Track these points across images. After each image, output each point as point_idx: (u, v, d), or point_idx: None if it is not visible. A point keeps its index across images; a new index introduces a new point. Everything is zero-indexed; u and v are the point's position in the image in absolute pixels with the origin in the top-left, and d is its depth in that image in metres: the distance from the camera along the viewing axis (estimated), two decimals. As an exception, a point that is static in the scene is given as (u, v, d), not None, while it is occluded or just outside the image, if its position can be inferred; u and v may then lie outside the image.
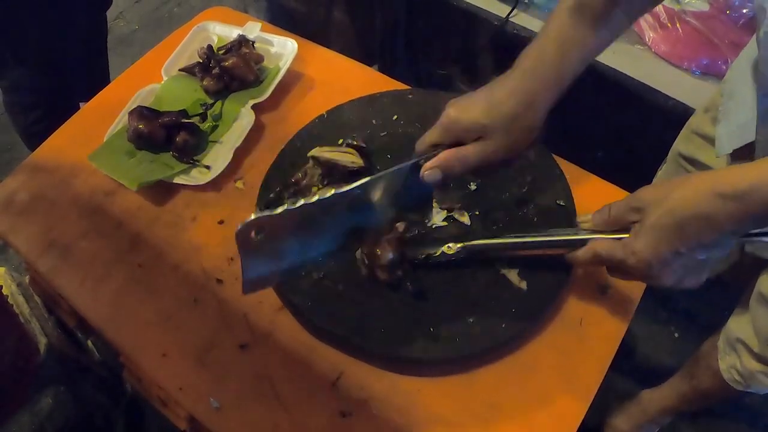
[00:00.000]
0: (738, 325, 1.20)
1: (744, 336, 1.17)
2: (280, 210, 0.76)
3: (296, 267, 0.87)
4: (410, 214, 0.97)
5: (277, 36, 1.29)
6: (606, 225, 0.80)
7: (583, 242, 0.83)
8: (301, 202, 0.78)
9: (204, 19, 1.33)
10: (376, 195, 0.86)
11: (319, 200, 0.79)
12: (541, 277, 0.94)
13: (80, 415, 1.35)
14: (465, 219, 1.01)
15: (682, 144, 1.26)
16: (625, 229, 0.78)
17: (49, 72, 1.74)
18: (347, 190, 0.82)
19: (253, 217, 0.75)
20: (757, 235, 0.75)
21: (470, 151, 0.82)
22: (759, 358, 1.15)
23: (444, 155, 0.83)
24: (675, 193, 0.71)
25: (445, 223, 1.01)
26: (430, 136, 0.85)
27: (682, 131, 1.27)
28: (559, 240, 0.86)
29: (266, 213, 0.76)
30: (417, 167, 0.85)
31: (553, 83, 0.82)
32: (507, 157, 0.84)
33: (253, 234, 0.77)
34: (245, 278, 0.82)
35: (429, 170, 0.84)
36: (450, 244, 0.92)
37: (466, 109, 0.82)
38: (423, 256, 0.95)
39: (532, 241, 0.89)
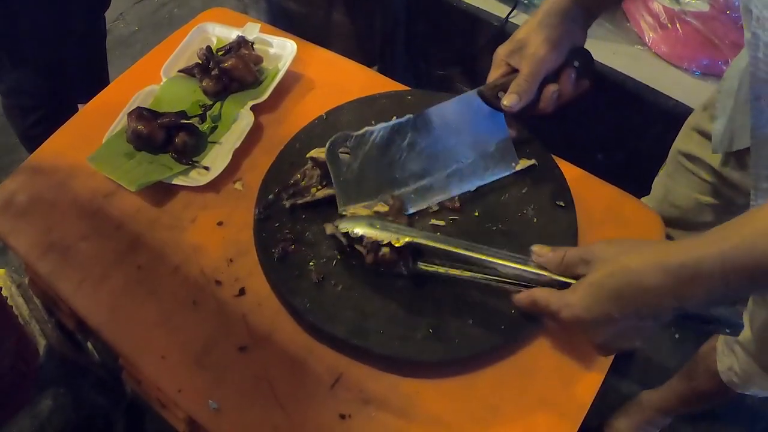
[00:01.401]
0: None
1: (742, 338, 1.17)
2: (363, 130, 0.98)
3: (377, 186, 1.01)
4: (495, 161, 1.05)
5: (276, 37, 1.29)
6: (556, 268, 0.79)
7: (528, 277, 0.82)
8: (380, 125, 0.99)
9: (203, 21, 1.33)
10: (444, 122, 1.01)
11: (397, 122, 1.00)
12: (540, 279, 0.94)
13: (80, 417, 1.35)
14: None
15: (681, 142, 1.26)
16: (573, 278, 0.77)
17: (47, 74, 1.74)
18: (413, 116, 1.00)
19: (342, 133, 0.97)
20: (700, 321, 0.75)
21: (523, 66, 0.93)
22: (756, 359, 1.15)
23: (511, 83, 0.94)
24: (623, 257, 0.72)
25: (442, 222, 1.01)
26: (491, 74, 0.98)
27: (681, 129, 1.27)
28: (507, 271, 0.84)
29: (349, 133, 0.98)
30: (479, 94, 0.98)
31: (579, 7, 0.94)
32: (552, 55, 0.93)
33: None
34: (339, 193, 1.00)
35: (507, 99, 0.94)
36: (399, 236, 0.91)
37: (508, 42, 0.96)
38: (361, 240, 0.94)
39: (480, 258, 0.86)
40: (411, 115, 1.00)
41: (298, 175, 1.05)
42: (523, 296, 0.82)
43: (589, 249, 0.76)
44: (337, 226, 0.95)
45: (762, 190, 0.93)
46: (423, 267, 0.93)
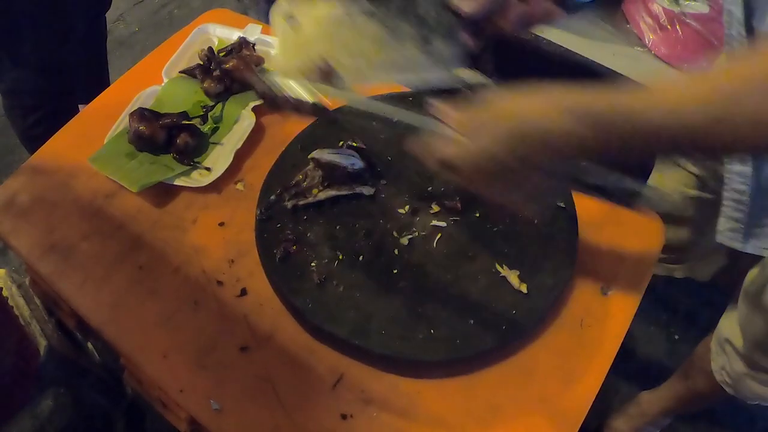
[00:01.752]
0: (727, 326, 1.20)
1: (732, 337, 1.17)
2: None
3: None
4: (437, 59, 0.94)
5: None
6: (454, 123, 0.73)
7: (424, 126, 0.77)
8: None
9: (204, 22, 1.33)
10: (392, 15, 0.89)
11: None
12: (541, 279, 0.95)
13: (81, 417, 1.34)
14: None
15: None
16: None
17: (48, 74, 1.74)
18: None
19: None
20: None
21: None
22: (745, 359, 1.15)
23: None
24: (524, 99, 0.66)
25: (443, 223, 1.02)
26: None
27: None
28: (409, 118, 0.82)
29: None
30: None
31: None
32: None
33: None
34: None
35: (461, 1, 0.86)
36: (326, 97, 0.91)
37: None
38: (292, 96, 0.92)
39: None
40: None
41: (300, 176, 1.05)
42: (416, 142, 0.77)
43: (487, 99, 0.70)
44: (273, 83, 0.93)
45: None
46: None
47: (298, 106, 0.91)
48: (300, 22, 0.90)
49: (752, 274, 1.10)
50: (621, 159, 0.66)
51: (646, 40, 1.56)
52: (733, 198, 0.97)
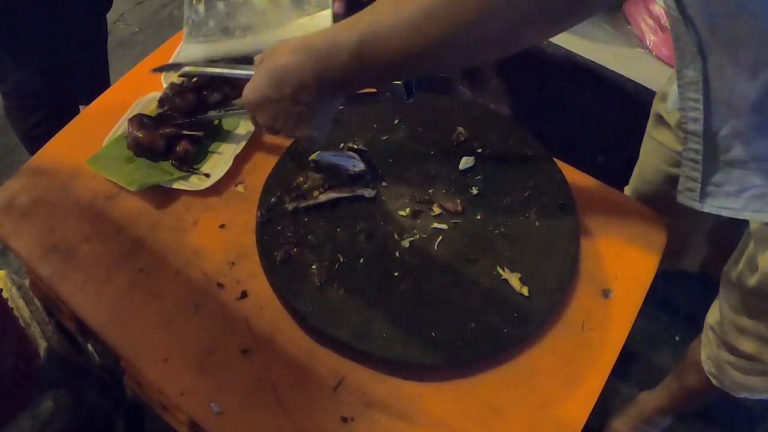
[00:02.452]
0: (711, 313, 1.20)
1: (714, 323, 1.18)
2: None
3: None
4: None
5: None
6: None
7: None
8: None
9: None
10: None
11: None
12: (542, 282, 0.95)
13: (81, 419, 1.34)
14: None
15: (653, 106, 1.28)
16: None
17: (49, 75, 1.74)
18: None
19: None
20: None
21: None
22: (725, 344, 1.15)
23: None
24: (275, 47, 0.81)
25: (444, 226, 1.01)
26: None
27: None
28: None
29: None
30: None
31: None
32: None
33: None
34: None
35: None
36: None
37: None
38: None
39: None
40: None
41: (301, 179, 1.05)
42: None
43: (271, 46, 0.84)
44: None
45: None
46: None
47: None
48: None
49: (732, 258, 1.10)
50: (352, 83, 0.80)
51: (647, 41, 1.56)
52: (690, 157, 0.97)
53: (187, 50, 1.20)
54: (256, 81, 0.83)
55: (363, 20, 0.72)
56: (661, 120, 1.23)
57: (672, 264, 1.44)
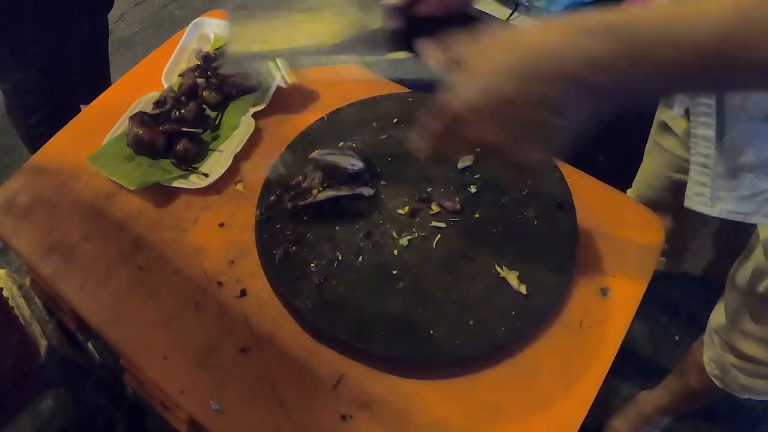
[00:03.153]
0: (716, 317, 1.21)
1: (719, 326, 1.18)
2: None
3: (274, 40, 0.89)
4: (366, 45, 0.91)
5: None
6: (441, 60, 0.67)
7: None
8: None
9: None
10: None
11: None
12: (541, 281, 0.95)
13: (81, 418, 1.35)
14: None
15: (657, 113, 1.28)
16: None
17: (50, 75, 1.74)
18: None
19: None
20: None
21: None
22: (730, 348, 1.15)
23: None
24: (534, 27, 0.57)
25: (443, 224, 1.01)
26: None
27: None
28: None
29: None
30: None
31: None
32: None
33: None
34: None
35: None
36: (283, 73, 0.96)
37: None
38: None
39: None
40: None
41: (300, 177, 1.05)
42: (425, 112, 0.67)
43: (485, 31, 0.61)
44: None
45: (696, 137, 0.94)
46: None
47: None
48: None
49: (738, 263, 1.11)
50: (644, 91, 0.59)
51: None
52: (699, 162, 0.97)
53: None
54: (492, 76, 0.58)
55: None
56: (665, 127, 1.23)
57: (675, 266, 1.44)
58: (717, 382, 1.25)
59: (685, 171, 1.15)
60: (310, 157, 1.05)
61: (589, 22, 0.53)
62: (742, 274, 1.08)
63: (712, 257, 1.63)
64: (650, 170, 1.30)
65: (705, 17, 0.49)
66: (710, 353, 1.24)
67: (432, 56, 0.68)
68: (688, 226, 1.38)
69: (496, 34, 0.59)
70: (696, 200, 1.00)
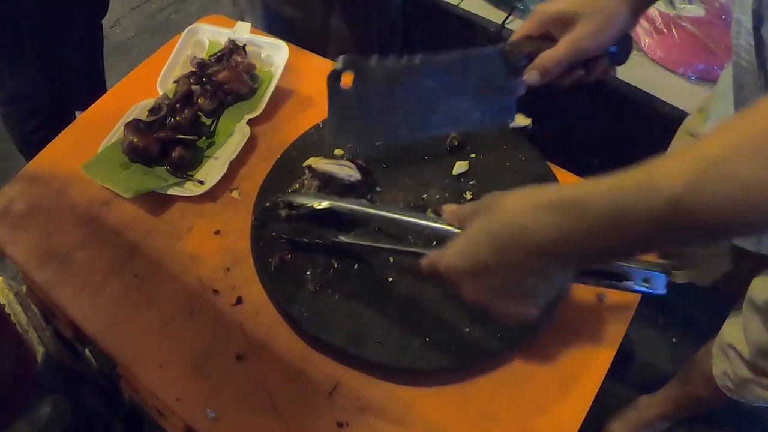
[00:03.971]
0: (730, 332, 1.20)
1: (735, 342, 1.17)
2: (372, 60, 0.86)
3: (378, 132, 0.97)
4: (492, 113, 0.98)
5: (267, 38, 1.29)
6: (455, 221, 0.74)
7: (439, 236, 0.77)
8: (392, 59, 0.87)
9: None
10: (460, 73, 0.92)
11: (408, 59, 0.87)
12: (536, 286, 0.94)
13: (79, 424, 1.34)
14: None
15: (675, 145, 1.26)
16: None
17: (46, 82, 1.74)
18: (434, 56, 0.88)
19: (343, 59, 0.85)
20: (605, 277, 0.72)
21: (560, 46, 0.87)
22: (750, 365, 1.15)
23: (538, 58, 0.89)
24: (505, 200, 0.63)
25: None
26: (521, 29, 0.92)
27: (677, 133, 1.27)
28: (417, 224, 0.82)
29: (358, 57, 0.85)
30: (502, 55, 0.91)
31: None
32: (592, 47, 0.87)
33: (344, 75, 0.86)
34: (329, 125, 0.95)
35: (528, 72, 0.90)
36: (322, 201, 0.91)
37: (555, 1, 0.88)
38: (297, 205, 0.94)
39: (399, 219, 0.84)
40: (424, 55, 0.89)
41: (297, 185, 1.05)
42: (423, 260, 0.74)
43: (482, 198, 0.68)
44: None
45: None
46: (342, 239, 0.96)
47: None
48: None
49: (758, 282, 1.10)
50: (607, 255, 0.62)
51: (642, 43, 1.56)
52: None
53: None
54: (471, 243, 0.65)
55: (684, 161, 0.52)
56: None
57: (685, 278, 1.43)
58: (730, 395, 1.25)
59: None
60: (306, 164, 1.05)
61: (550, 197, 0.59)
62: (766, 298, 1.07)
63: (725, 270, 1.62)
64: None
65: (655, 191, 0.52)
66: (723, 367, 1.24)
67: (447, 213, 0.76)
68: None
69: (485, 201, 0.66)
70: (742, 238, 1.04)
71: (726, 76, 1.06)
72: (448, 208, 0.76)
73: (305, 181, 1.05)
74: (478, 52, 0.92)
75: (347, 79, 0.90)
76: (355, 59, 0.86)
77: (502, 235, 0.62)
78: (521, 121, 1.08)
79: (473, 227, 0.66)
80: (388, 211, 0.85)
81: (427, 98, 0.93)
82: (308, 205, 0.91)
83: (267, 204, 1.04)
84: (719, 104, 1.05)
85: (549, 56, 0.88)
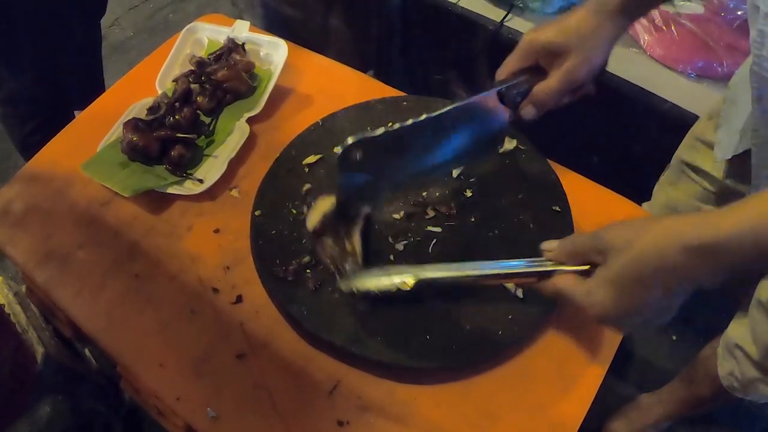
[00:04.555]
0: (737, 332, 1.20)
1: (743, 343, 1.17)
2: (379, 132, 0.85)
3: (389, 188, 0.99)
4: (486, 146, 1.03)
5: (266, 36, 1.29)
6: (568, 258, 0.76)
7: (545, 274, 0.78)
8: (397, 125, 0.87)
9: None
10: (461, 121, 0.93)
11: (414, 122, 0.87)
12: (537, 284, 0.94)
13: (79, 424, 1.34)
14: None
15: (684, 151, 1.26)
16: (588, 264, 0.74)
17: (45, 82, 1.74)
18: (439, 114, 0.88)
19: (353, 139, 0.83)
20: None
21: (552, 80, 0.89)
22: (757, 365, 1.15)
23: (533, 93, 0.91)
24: (639, 242, 0.67)
25: (438, 229, 1.01)
26: (510, 61, 0.93)
27: (685, 139, 1.27)
28: (520, 272, 0.81)
29: (366, 135, 0.84)
30: (499, 97, 0.92)
31: (619, 9, 0.87)
32: (584, 77, 0.89)
33: (355, 156, 0.85)
34: (340, 197, 0.93)
35: (525, 109, 0.92)
36: (406, 279, 0.87)
37: (543, 31, 0.90)
38: (377, 293, 0.89)
39: (493, 274, 0.83)
40: (427, 116, 0.88)
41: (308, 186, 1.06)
42: (546, 285, 0.78)
43: (599, 236, 0.72)
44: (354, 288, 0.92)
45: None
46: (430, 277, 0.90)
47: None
48: None
49: (766, 285, 1.10)
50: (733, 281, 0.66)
51: (642, 41, 1.56)
52: None
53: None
54: (618, 289, 0.69)
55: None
56: (697, 169, 1.22)
57: None
58: (737, 394, 1.25)
59: (719, 203, 1.15)
60: (304, 162, 1.05)
61: (690, 239, 0.63)
62: None
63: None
64: (675, 198, 1.28)
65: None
66: (729, 367, 1.24)
67: (557, 253, 0.78)
68: None
69: (617, 251, 0.69)
70: None
71: (737, 82, 1.06)
72: (550, 245, 0.78)
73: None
74: (478, 98, 0.92)
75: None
76: (362, 139, 0.84)
77: (654, 277, 0.66)
78: (508, 145, 1.10)
79: (613, 270, 0.69)
80: (481, 270, 0.84)
81: (430, 150, 0.94)
82: (394, 286, 0.88)
83: (267, 203, 1.03)
84: (731, 111, 1.05)
85: (543, 90, 0.90)
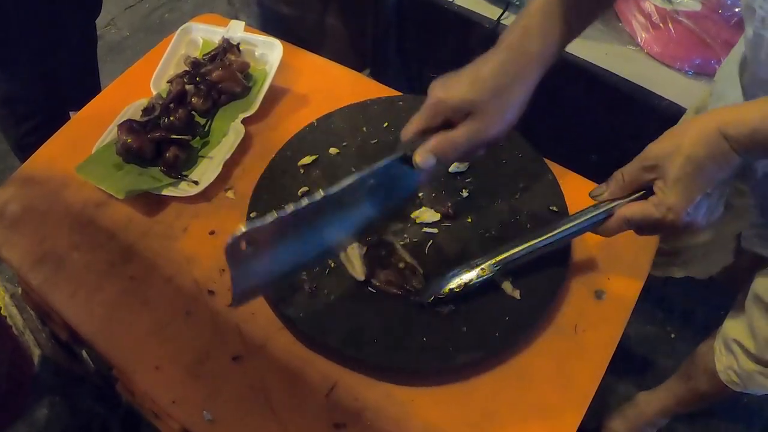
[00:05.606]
0: (734, 327, 1.20)
1: (740, 337, 1.17)
2: (270, 219, 0.74)
3: (288, 272, 0.86)
4: (397, 210, 0.98)
5: (261, 36, 1.28)
6: (623, 191, 0.80)
7: (605, 215, 0.83)
8: (291, 207, 0.76)
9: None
10: (366, 191, 0.84)
11: (309, 204, 0.77)
12: (534, 285, 0.94)
13: (77, 425, 1.34)
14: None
15: None
16: (641, 190, 0.79)
17: (40, 83, 1.73)
18: (337, 191, 0.79)
19: (242, 229, 0.74)
20: None
21: (460, 133, 0.81)
22: (756, 359, 1.15)
23: (435, 140, 0.81)
24: (684, 140, 0.73)
25: (435, 230, 1.01)
26: (417, 120, 0.84)
27: None
28: (587, 223, 0.85)
29: (256, 224, 0.74)
30: (405, 159, 0.84)
31: (539, 58, 0.82)
32: (496, 135, 0.82)
33: (243, 246, 0.75)
34: (235, 291, 0.82)
35: (422, 156, 0.82)
36: (483, 266, 0.90)
37: (452, 87, 0.81)
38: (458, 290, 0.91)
39: (563, 233, 0.88)
40: (324, 193, 0.79)
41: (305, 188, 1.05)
42: (613, 222, 0.82)
43: (645, 156, 0.77)
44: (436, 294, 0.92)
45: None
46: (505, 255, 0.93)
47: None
48: None
49: (764, 281, 1.10)
50: None
51: (639, 38, 1.56)
52: (757, 204, 0.98)
53: None
54: (684, 182, 0.74)
55: None
56: None
57: (683, 272, 1.42)
58: (736, 388, 1.25)
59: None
60: (299, 163, 1.04)
61: (727, 129, 0.71)
62: None
63: (725, 264, 1.62)
64: None
65: None
66: (727, 362, 1.24)
67: (610, 191, 0.83)
68: (703, 239, 1.37)
69: (669, 157, 0.75)
70: (753, 242, 1.09)
71: (722, 76, 1.06)
72: (600, 189, 0.83)
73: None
74: (379, 165, 0.83)
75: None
76: (250, 230, 0.75)
77: (709, 165, 0.73)
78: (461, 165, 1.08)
79: (674, 173, 0.74)
80: (548, 237, 0.90)
81: (334, 224, 0.86)
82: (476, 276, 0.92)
83: (262, 205, 1.03)
84: (718, 105, 1.05)
85: (449, 140, 0.82)
